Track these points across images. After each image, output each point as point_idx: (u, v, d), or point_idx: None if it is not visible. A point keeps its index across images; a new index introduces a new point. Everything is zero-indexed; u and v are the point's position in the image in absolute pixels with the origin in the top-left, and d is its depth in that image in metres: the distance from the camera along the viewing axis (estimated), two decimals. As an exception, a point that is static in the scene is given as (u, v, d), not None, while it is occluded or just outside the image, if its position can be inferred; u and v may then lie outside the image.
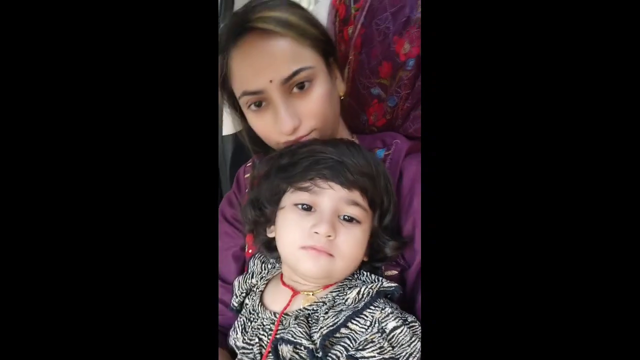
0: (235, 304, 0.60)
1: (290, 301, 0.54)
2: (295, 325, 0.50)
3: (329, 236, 0.50)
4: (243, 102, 0.61)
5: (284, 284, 0.56)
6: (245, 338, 0.54)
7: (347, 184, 0.52)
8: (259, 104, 0.60)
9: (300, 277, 0.54)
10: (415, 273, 0.57)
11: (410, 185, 0.60)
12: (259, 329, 0.53)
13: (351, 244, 0.52)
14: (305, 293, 0.54)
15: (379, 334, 0.47)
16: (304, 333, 0.48)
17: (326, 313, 0.50)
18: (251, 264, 0.64)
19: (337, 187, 0.51)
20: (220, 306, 0.67)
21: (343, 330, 0.48)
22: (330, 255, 0.50)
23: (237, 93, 0.61)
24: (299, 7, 0.62)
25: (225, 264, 0.70)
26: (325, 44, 0.62)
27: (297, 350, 0.49)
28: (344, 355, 0.47)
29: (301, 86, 0.58)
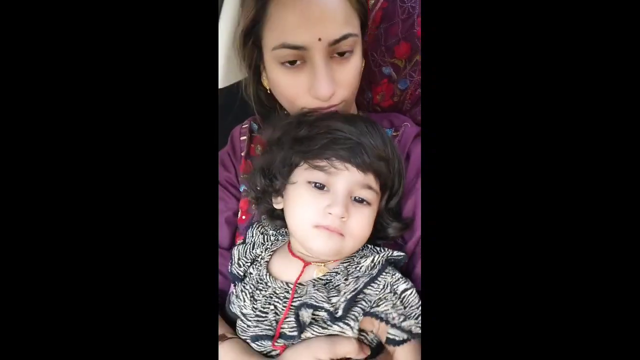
0: (240, 273, 0.59)
1: (302, 271, 0.55)
2: (317, 291, 0.51)
3: (343, 218, 0.51)
4: (276, 55, 0.55)
5: (293, 254, 0.57)
6: (257, 306, 0.54)
7: (364, 167, 0.52)
8: (293, 62, 0.55)
9: (310, 253, 0.54)
10: (411, 248, 0.59)
11: (416, 168, 0.61)
12: (271, 297, 0.54)
13: (362, 224, 0.53)
14: (317, 264, 0.55)
15: (392, 294, 0.51)
16: (325, 298, 0.50)
17: (346, 279, 0.52)
18: (249, 234, 0.63)
19: (353, 169, 0.52)
20: None
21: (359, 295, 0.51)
22: (342, 235, 0.51)
23: (273, 43, 0.55)
24: None
25: (219, 230, 0.67)
26: (366, 13, 0.59)
27: (315, 315, 0.51)
28: (361, 314, 0.50)
29: (342, 53, 0.55)
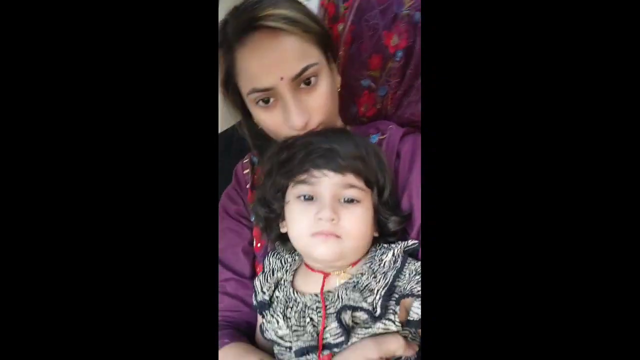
0: (267, 299, 0.60)
1: (324, 282, 0.57)
2: (350, 294, 0.53)
3: (332, 219, 0.54)
4: (251, 99, 0.62)
5: (312, 269, 0.59)
6: (291, 322, 0.55)
7: (340, 169, 0.55)
8: (267, 101, 0.61)
9: (318, 262, 0.57)
10: (414, 238, 0.61)
11: (407, 163, 0.65)
12: (304, 310, 0.56)
13: (354, 222, 0.55)
14: (336, 273, 0.58)
15: (416, 276, 0.54)
16: (360, 298, 0.52)
17: (375, 277, 0.54)
18: (267, 262, 0.65)
19: (331, 173, 0.55)
20: (234, 301, 0.68)
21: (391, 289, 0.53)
22: (337, 236, 0.54)
23: (245, 90, 0.62)
24: (299, 3, 0.65)
25: (238, 260, 0.71)
26: (325, 38, 0.65)
27: (354, 317, 0.53)
28: (397, 306, 0.52)
29: (308, 82, 0.61)
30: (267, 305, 0.59)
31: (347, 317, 0.52)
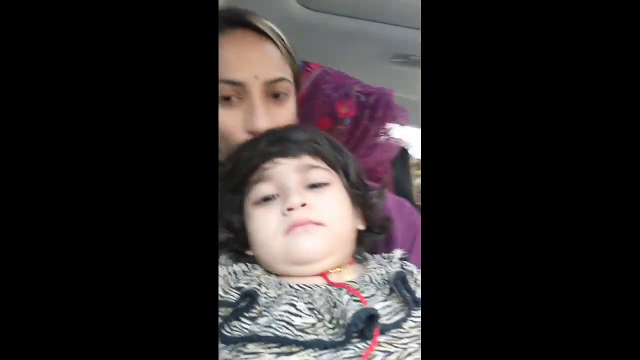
0: (251, 287, 0.44)
1: (326, 279, 0.46)
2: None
3: (303, 204, 0.46)
4: (220, 90, 0.59)
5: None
6: (307, 313, 0.41)
7: (294, 153, 0.50)
8: (227, 98, 0.59)
9: (302, 264, 0.46)
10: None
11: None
12: (318, 299, 0.42)
13: (332, 204, 0.48)
14: (336, 270, 0.48)
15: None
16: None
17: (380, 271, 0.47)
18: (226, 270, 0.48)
19: (284, 159, 0.49)
20: None
21: None
22: (318, 224, 0.46)
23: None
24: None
25: None
26: (297, 72, 0.67)
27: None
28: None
29: (277, 96, 0.61)
30: (254, 294, 0.42)
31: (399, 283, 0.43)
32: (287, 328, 0.39)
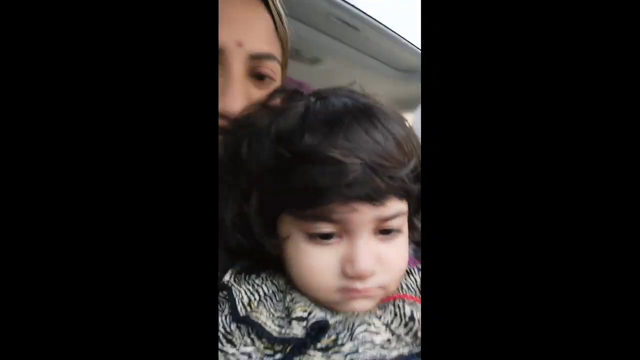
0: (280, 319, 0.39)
1: None
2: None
3: (370, 276, 0.38)
4: None
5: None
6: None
7: (379, 198, 0.37)
8: None
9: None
10: None
11: None
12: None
13: (399, 256, 0.40)
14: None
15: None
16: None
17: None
18: (237, 293, 0.41)
19: (367, 207, 0.37)
20: None
21: None
22: (382, 287, 0.39)
23: None
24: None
25: None
26: (285, 54, 0.57)
27: None
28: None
29: (261, 77, 0.52)
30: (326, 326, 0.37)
31: None
32: (373, 349, 0.36)
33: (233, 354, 0.36)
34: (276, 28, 0.53)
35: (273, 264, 0.42)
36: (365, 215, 0.37)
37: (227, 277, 0.42)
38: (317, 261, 0.38)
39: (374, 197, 0.36)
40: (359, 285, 0.37)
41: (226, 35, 0.47)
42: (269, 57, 0.51)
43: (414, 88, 1.29)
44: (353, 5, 0.94)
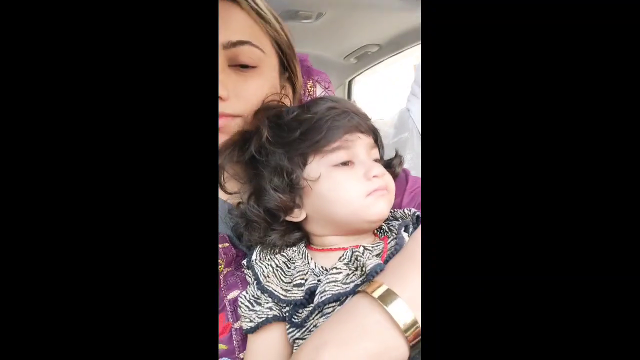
0: (303, 289, 0.49)
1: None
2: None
3: (384, 174, 0.53)
4: None
5: (331, 249, 0.54)
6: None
7: (365, 131, 0.55)
8: None
9: (366, 225, 0.53)
10: None
11: None
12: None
13: (389, 178, 0.54)
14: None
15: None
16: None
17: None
18: (259, 270, 0.53)
19: (362, 135, 0.54)
20: None
21: None
22: (387, 190, 0.53)
23: None
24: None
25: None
26: (283, 45, 0.60)
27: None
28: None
29: (244, 66, 0.54)
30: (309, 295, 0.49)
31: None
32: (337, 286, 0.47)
33: (261, 311, 0.51)
34: (249, 15, 0.55)
35: (287, 234, 0.54)
36: (363, 140, 0.53)
37: (254, 257, 0.55)
38: (347, 180, 0.51)
39: (364, 130, 0.53)
40: (381, 182, 0.51)
41: None
42: (242, 43, 0.53)
43: (415, 16, 1.55)
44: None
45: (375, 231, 0.58)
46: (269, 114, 0.56)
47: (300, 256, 0.55)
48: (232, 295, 0.57)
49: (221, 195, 0.62)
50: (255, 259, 0.56)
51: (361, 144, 0.54)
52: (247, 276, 0.57)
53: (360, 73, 1.86)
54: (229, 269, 0.59)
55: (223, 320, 0.56)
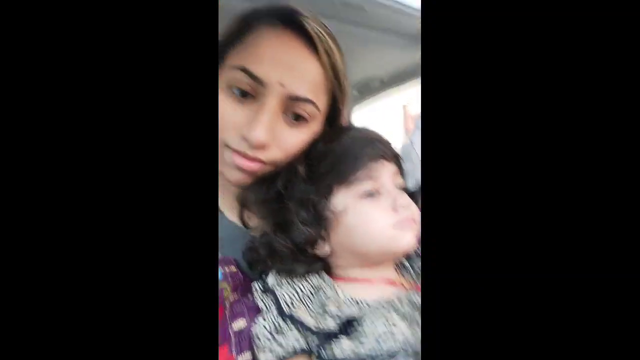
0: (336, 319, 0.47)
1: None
2: None
3: (410, 205, 0.52)
4: (230, 76, 0.52)
5: (357, 280, 0.52)
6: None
7: (390, 157, 0.53)
8: (244, 94, 0.52)
9: (392, 257, 0.54)
10: None
11: None
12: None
13: (416, 208, 0.53)
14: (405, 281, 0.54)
15: None
16: None
17: None
18: (281, 296, 0.50)
19: (386, 162, 0.53)
20: None
21: None
22: (416, 222, 0.52)
23: (234, 62, 0.52)
24: (341, 52, 0.58)
25: None
26: (339, 102, 0.59)
27: None
28: None
29: (297, 117, 0.54)
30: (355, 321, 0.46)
31: None
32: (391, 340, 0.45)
33: (286, 343, 0.45)
34: (325, 74, 0.54)
35: (310, 265, 0.51)
36: (387, 168, 0.52)
37: (270, 281, 0.50)
38: (373, 211, 0.49)
39: (387, 156, 0.52)
40: (408, 213, 0.50)
41: (269, 74, 0.50)
42: (307, 101, 0.52)
43: (417, 54, 1.62)
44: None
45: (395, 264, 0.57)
46: (305, 151, 0.56)
47: (327, 284, 0.52)
48: (237, 325, 0.52)
49: (236, 220, 0.60)
50: (274, 284, 0.52)
51: (386, 172, 0.53)
52: (260, 302, 0.52)
53: (361, 104, 1.91)
54: (235, 297, 0.54)
55: (225, 353, 0.49)
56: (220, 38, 0.55)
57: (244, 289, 0.56)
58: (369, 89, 1.77)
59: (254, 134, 0.50)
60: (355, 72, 1.69)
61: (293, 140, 0.55)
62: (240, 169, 0.54)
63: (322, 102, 0.56)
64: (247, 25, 0.54)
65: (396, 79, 1.79)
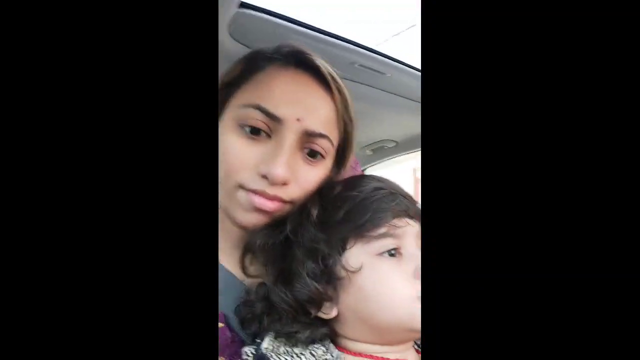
0: None
1: None
2: None
3: None
4: (241, 114, 0.51)
5: (369, 356, 0.45)
6: None
7: (415, 216, 0.48)
8: (256, 131, 0.51)
9: (409, 336, 0.46)
10: None
11: None
12: None
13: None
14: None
15: None
16: None
17: None
18: None
19: (411, 221, 0.47)
20: None
21: None
22: None
23: (243, 101, 0.52)
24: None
25: None
26: (348, 136, 0.59)
27: None
28: None
29: (313, 154, 0.53)
30: None
31: None
32: None
33: None
34: (337, 112, 0.54)
35: (312, 329, 0.44)
36: (412, 228, 0.46)
37: (265, 345, 0.44)
38: (393, 275, 0.43)
39: (411, 214, 0.47)
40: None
41: (287, 112, 0.50)
42: (323, 136, 0.52)
43: None
44: (377, 52, 0.98)
45: (415, 344, 0.49)
46: (320, 191, 0.52)
47: (334, 358, 0.44)
48: None
49: (234, 270, 0.57)
50: (268, 348, 0.45)
51: (411, 232, 0.47)
52: None
53: (374, 165, 1.90)
54: (222, 359, 0.48)
55: None
56: (224, 79, 0.56)
57: (232, 353, 0.49)
58: (383, 150, 1.76)
59: (275, 171, 0.49)
60: (370, 132, 1.69)
61: (311, 177, 0.54)
62: (259, 209, 0.52)
63: (335, 138, 0.56)
64: (255, 65, 0.55)
65: (410, 144, 1.78)
